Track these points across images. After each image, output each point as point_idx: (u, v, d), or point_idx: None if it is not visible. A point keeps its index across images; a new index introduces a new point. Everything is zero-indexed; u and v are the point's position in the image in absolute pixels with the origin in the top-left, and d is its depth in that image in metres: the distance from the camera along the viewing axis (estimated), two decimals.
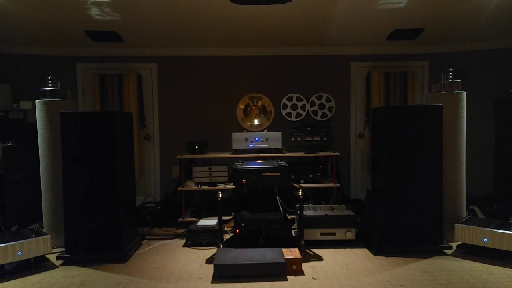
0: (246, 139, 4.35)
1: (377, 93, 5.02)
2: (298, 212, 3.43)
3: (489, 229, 3.07)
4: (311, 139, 4.48)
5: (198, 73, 5.12)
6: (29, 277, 2.91)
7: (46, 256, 3.18)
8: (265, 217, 3.53)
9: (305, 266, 3.02)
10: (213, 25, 4.33)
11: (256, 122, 5.15)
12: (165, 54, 5.06)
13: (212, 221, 3.75)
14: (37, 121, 3.57)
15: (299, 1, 3.68)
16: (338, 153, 4.31)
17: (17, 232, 3.21)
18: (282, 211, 3.90)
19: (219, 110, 5.12)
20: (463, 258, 3.16)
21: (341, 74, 5.15)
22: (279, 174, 3.38)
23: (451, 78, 3.54)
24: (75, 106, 3.92)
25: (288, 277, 2.82)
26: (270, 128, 4.88)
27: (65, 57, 4.97)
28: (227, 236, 3.74)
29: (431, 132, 3.31)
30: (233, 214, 4.05)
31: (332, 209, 3.75)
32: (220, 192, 3.33)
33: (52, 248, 3.24)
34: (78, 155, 3.22)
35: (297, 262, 2.90)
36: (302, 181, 4.22)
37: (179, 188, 4.25)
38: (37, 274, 2.95)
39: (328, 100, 4.81)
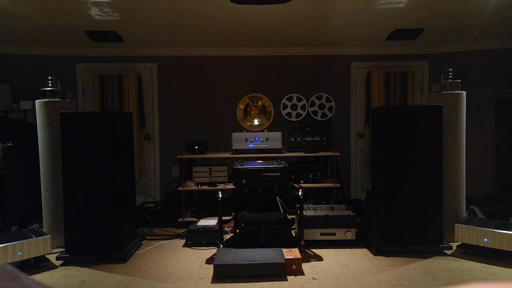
0: (246, 139, 4.35)
1: (377, 93, 5.02)
2: (298, 212, 3.43)
3: (489, 229, 3.06)
4: (311, 139, 4.48)
5: (198, 73, 5.12)
6: None
7: (46, 256, 3.18)
8: (265, 217, 3.54)
9: (305, 266, 3.02)
10: (213, 25, 4.33)
11: (256, 122, 5.15)
12: (165, 54, 5.06)
13: (212, 221, 3.75)
14: (37, 121, 3.57)
15: (299, 1, 3.68)
16: (338, 153, 4.31)
17: (17, 232, 3.20)
18: (282, 211, 3.90)
19: (219, 110, 5.12)
20: (463, 258, 3.16)
21: (341, 74, 5.15)
22: (279, 174, 3.38)
23: (451, 78, 3.53)
24: (75, 106, 3.91)
25: (288, 277, 2.82)
26: (270, 128, 4.87)
27: (65, 57, 4.97)
28: (227, 236, 3.74)
29: (431, 132, 3.31)
30: (233, 214, 4.05)
31: (332, 209, 3.75)
32: (220, 192, 3.33)
33: (52, 248, 3.24)
34: (78, 155, 3.22)
35: (297, 262, 2.90)
36: (302, 181, 4.21)
37: (179, 188, 4.25)
38: (37, 274, 2.95)
39: (328, 100, 4.80)
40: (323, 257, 3.25)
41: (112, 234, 3.24)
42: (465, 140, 3.55)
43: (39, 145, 3.58)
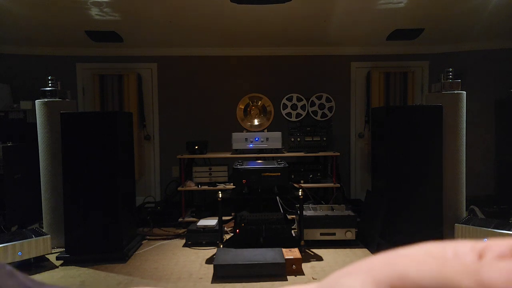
0: (246, 139, 4.35)
1: (377, 93, 5.01)
2: (298, 212, 3.43)
3: (489, 229, 3.06)
4: (311, 139, 4.48)
5: (198, 73, 5.11)
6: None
7: (46, 256, 3.18)
8: (265, 217, 3.53)
9: (305, 266, 3.02)
10: (213, 25, 4.33)
11: (256, 122, 5.15)
12: (165, 54, 5.06)
13: (212, 221, 3.75)
14: (37, 121, 3.57)
15: (299, 1, 3.67)
16: (338, 153, 4.31)
17: (17, 232, 3.21)
18: (282, 211, 3.90)
19: (219, 110, 5.12)
20: None
21: (341, 74, 5.15)
22: (279, 174, 3.38)
23: (451, 78, 3.53)
24: (75, 106, 3.92)
25: (288, 277, 2.82)
26: (270, 128, 4.87)
27: (65, 57, 4.97)
28: (227, 236, 3.74)
29: (431, 132, 3.31)
30: (233, 214, 4.05)
31: (332, 209, 3.75)
32: (220, 192, 3.33)
33: (52, 248, 3.24)
34: (78, 155, 3.23)
35: (297, 262, 2.90)
36: (302, 181, 4.21)
37: (179, 188, 4.25)
38: (37, 274, 2.95)
39: (328, 100, 4.80)
40: (323, 257, 3.25)
41: (112, 234, 3.24)
42: (465, 140, 3.55)
43: (39, 145, 3.58)
